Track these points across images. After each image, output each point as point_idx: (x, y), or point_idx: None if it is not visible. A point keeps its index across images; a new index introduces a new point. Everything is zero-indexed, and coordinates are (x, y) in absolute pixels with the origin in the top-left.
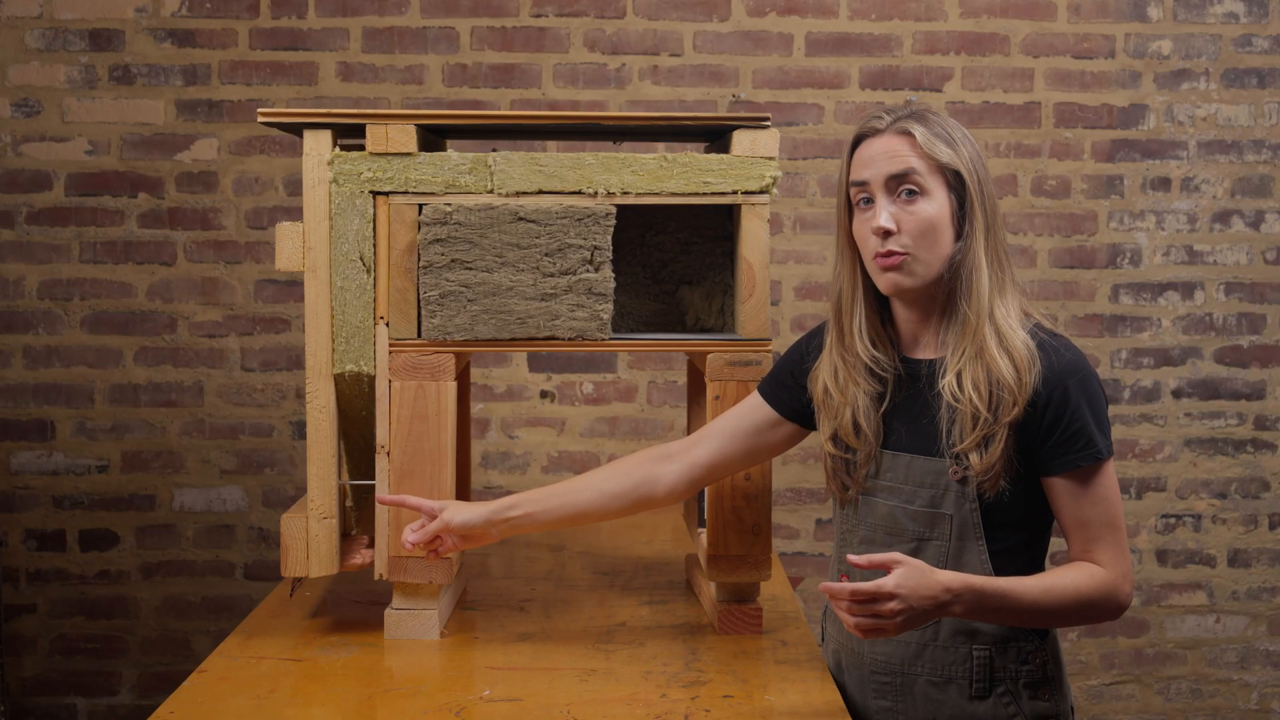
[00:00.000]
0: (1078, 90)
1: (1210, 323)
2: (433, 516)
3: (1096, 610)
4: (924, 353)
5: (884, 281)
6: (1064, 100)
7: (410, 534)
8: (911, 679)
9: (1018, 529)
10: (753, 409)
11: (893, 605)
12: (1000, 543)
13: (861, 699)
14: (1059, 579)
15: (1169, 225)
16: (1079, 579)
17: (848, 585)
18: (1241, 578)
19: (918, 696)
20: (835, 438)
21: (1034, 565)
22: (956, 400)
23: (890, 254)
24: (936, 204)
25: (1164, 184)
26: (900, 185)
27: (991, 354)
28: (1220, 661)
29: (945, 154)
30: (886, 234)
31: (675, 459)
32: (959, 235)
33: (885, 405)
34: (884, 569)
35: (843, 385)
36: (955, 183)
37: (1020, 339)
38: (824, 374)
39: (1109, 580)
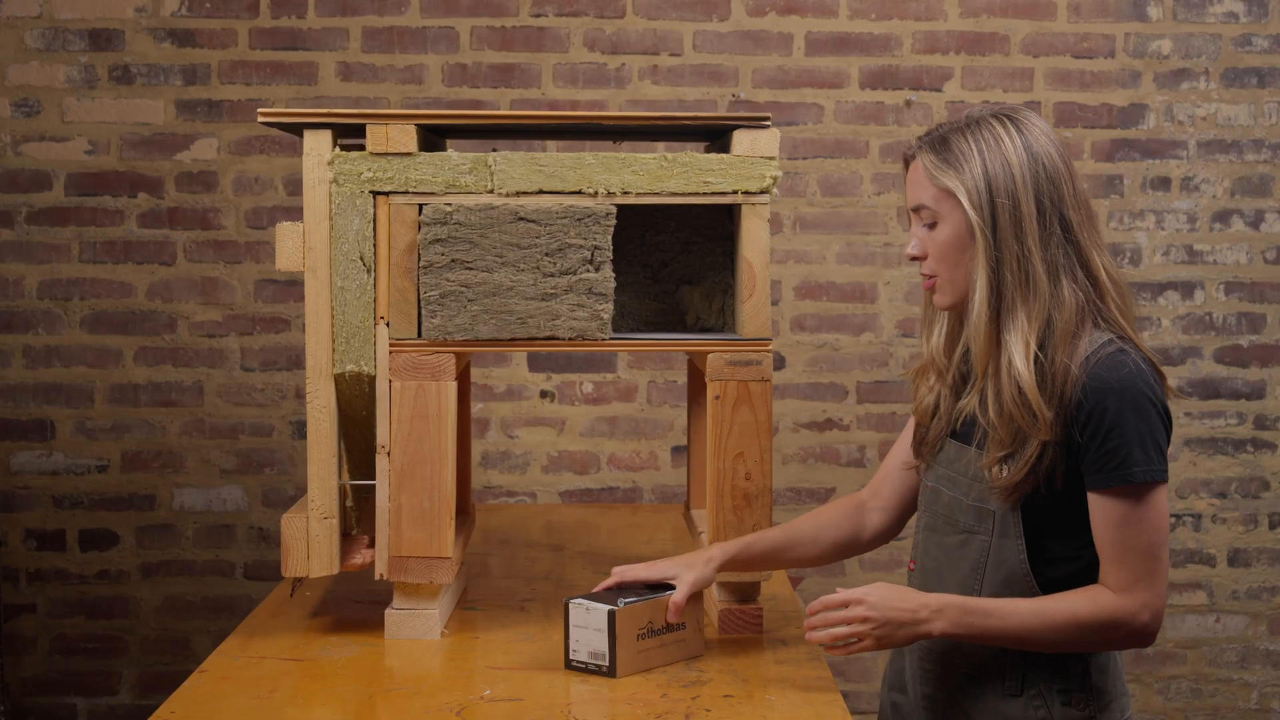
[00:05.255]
0: (1078, 90)
1: (1210, 322)
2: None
3: (1100, 637)
4: None
5: (934, 300)
6: (1064, 100)
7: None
8: (951, 669)
9: (1060, 539)
10: (911, 433)
11: (860, 611)
12: (1045, 551)
13: (912, 683)
14: (1054, 602)
15: (1169, 225)
16: (1077, 604)
17: (823, 598)
18: (1241, 577)
19: (955, 688)
20: (921, 411)
21: (1079, 580)
22: (982, 417)
23: (926, 276)
24: (951, 228)
25: (1164, 184)
26: (920, 214)
27: (1003, 379)
28: (1220, 661)
29: (949, 180)
30: (915, 259)
31: (869, 506)
32: None
33: (965, 400)
34: (844, 605)
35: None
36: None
37: (1019, 368)
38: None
39: (1117, 607)
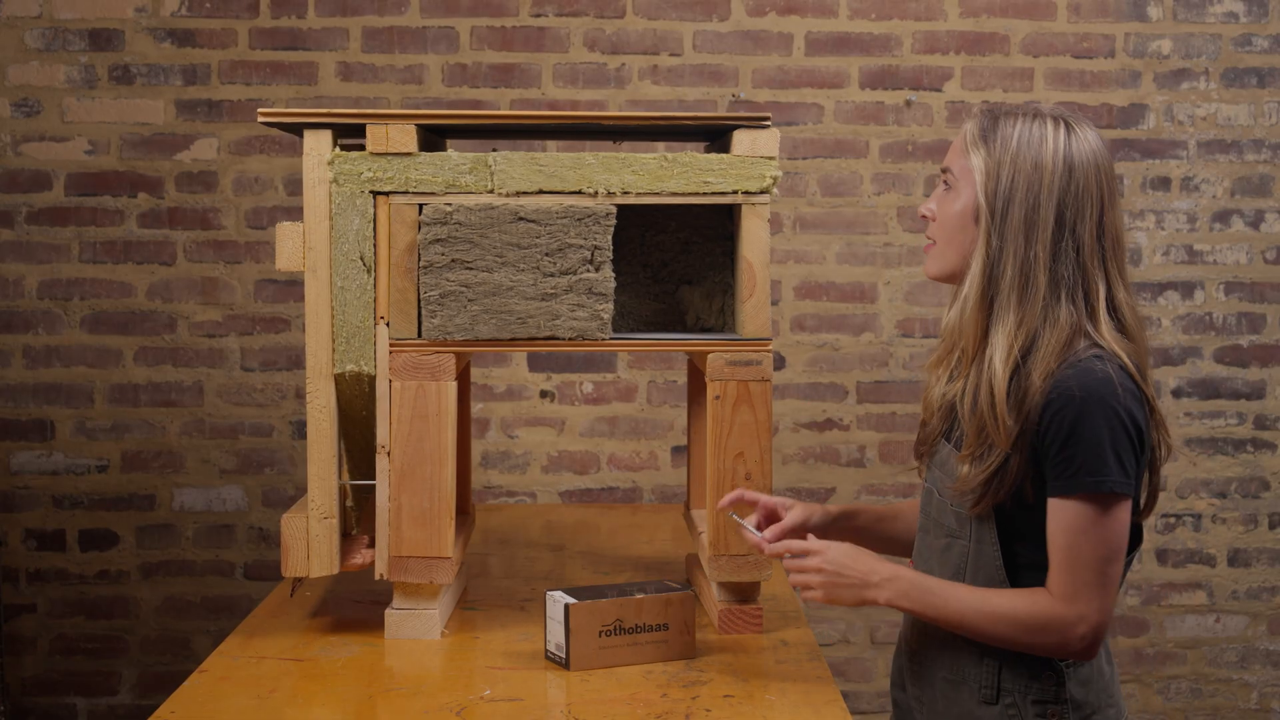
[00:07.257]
0: (1077, 90)
1: (1210, 322)
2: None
3: (1031, 639)
4: None
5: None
6: (1064, 100)
7: (761, 537)
8: (933, 672)
9: (1030, 547)
10: None
11: (815, 562)
12: (1015, 557)
13: (905, 683)
14: (998, 595)
15: (1169, 225)
16: (1017, 601)
17: (791, 542)
18: (1241, 577)
19: (937, 691)
20: (926, 403)
21: None
22: (960, 408)
23: (929, 239)
24: (962, 201)
25: (1164, 184)
26: (946, 175)
27: (983, 374)
28: (1220, 661)
29: (977, 156)
30: (924, 219)
31: None
32: None
33: (950, 385)
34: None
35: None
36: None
37: (996, 367)
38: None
39: (1053, 613)
